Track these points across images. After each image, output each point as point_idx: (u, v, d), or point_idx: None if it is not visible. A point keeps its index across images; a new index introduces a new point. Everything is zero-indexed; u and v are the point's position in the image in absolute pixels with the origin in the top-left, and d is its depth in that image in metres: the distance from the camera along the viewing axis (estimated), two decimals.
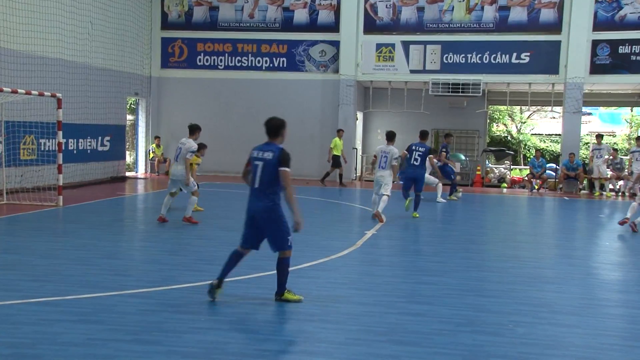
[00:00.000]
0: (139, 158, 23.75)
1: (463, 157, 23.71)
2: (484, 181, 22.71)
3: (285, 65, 22.84)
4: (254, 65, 23.06)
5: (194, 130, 11.57)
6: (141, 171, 23.59)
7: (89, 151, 19.65)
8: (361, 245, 10.09)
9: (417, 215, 13.31)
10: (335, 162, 20.73)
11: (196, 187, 11.63)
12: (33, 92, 13.91)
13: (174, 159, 11.71)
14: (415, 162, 13.83)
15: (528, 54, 21.21)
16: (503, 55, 21.34)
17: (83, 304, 6.42)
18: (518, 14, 21.28)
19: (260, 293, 7.01)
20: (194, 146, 11.46)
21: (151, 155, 23.31)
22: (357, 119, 23.44)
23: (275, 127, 6.51)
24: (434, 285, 7.65)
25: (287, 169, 6.34)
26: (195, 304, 6.52)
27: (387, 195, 12.53)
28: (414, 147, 13.99)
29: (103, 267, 8.09)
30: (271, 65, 22.95)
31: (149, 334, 5.59)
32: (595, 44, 20.77)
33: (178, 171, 11.42)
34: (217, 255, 9.08)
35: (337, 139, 20.79)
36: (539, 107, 31.76)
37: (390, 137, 12.68)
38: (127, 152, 23.49)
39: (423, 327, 6.00)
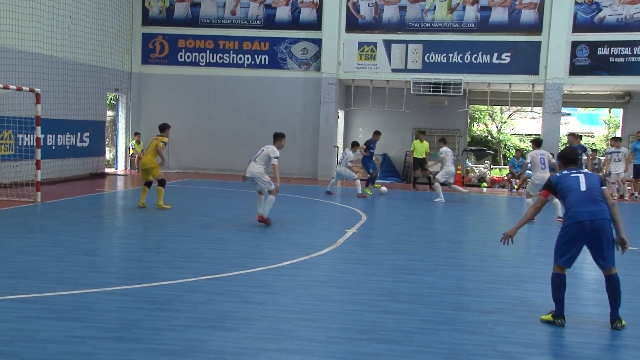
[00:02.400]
0: (118, 154, 23.56)
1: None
2: (465, 180, 22.85)
3: (267, 63, 22.77)
4: (235, 62, 22.95)
5: (278, 137, 11.92)
6: (121, 167, 23.40)
7: (68, 147, 19.43)
8: (342, 244, 10.10)
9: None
10: (416, 164, 20.32)
11: (273, 186, 11.57)
12: (11, 86, 13.71)
13: (252, 160, 11.72)
14: None
15: (509, 54, 21.37)
16: (484, 56, 21.48)
17: (61, 301, 6.35)
18: (499, 15, 21.43)
19: (240, 291, 6.99)
20: (277, 153, 11.63)
21: (131, 151, 23.14)
22: (338, 117, 23.45)
23: (576, 155, 6.80)
24: (414, 283, 7.68)
25: (606, 187, 6.43)
26: (174, 302, 6.48)
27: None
28: None
29: (81, 264, 8.01)
30: (253, 62, 22.85)
31: (128, 331, 5.54)
32: (574, 45, 20.99)
33: (255, 169, 11.50)
34: (196, 253, 9.06)
35: (417, 141, 20.31)
36: (519, 107, 31.98)
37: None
38: (107, 148, 23.28)
39: (403, 325, 6.01)
